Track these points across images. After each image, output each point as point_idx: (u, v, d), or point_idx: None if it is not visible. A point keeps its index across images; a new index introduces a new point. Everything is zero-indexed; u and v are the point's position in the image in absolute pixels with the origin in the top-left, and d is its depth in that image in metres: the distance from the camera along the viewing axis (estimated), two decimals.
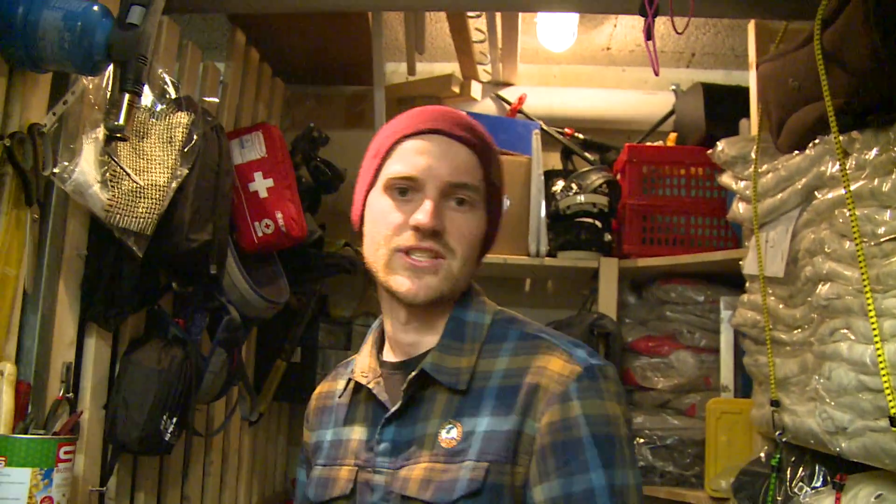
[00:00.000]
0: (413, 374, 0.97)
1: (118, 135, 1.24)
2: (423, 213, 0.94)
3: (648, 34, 1.17)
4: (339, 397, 1.09)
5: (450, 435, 0.93)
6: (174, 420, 1.53)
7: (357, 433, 1.03)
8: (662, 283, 2.24)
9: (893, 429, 1.10)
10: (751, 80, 1.94)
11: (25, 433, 1.22)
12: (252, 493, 2.29)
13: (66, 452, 1.22)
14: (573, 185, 2.27)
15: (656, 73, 1.18)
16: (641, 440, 2.14)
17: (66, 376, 1.38)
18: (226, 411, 2.03)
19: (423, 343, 1.01)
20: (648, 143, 2.48)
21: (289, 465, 2.61)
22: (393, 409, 0.98)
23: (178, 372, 1.54)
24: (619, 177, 2.35)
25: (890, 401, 1.11)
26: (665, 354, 2.18)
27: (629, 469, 0.89)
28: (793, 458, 1.50)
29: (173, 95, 1.58)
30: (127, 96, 1.22)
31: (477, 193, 0.99)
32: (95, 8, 1.23)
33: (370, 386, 1.02)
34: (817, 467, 1.44)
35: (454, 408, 0.95)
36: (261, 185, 1.83)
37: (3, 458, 1.16)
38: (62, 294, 1.39)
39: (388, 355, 1.06)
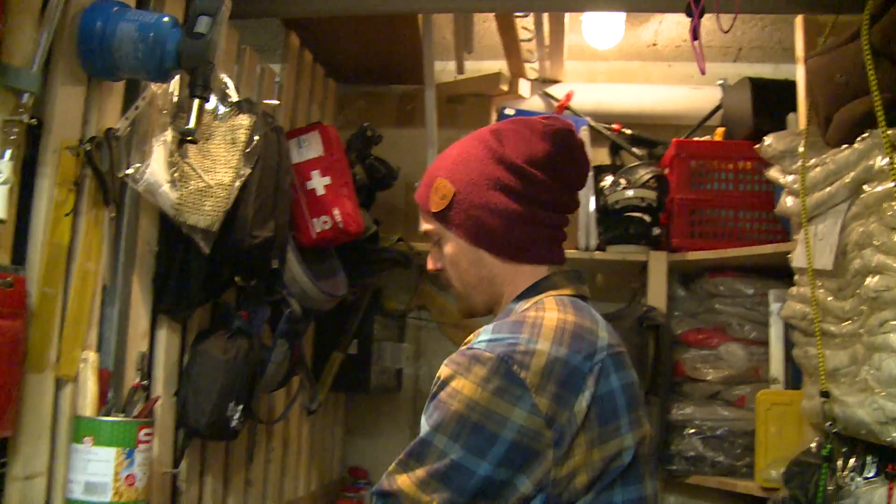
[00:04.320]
0: None
1: (189, 138, 1.31)
2: None
3: (695, 34, 1.19)
4: None
5: None
6: (240, 407, 1.61)
7: None
8: (711, 277, 2.24)
9: None
10: (798, 74, 1.93)
11: (108, 416, 1.32)
12: (311, 480, 2.37)
13: (145, 434, 1.31)
14: (622, 181, 2.29)
15: (703, 72, 1.21)
16: (692, 430, 2.15)
17: (141, 364, 1.47)
18: (286, 401, 2.10)
19: None
20: (696, 138, 2.48)
21: (346, 455, 2.69)
22: None
23: (243, 362, 1.61)
24: (666, 171, 2.36)
25: None
26: (714, 346, 2.19)
27: (448, 439, 0.96)
28: (844, 449, 1.50)
29: (234, 98, 1.65)
30: (196, 101, 1.29)
31: (434, 233, 1.19)
32: (166, 19, 1.30)
33: None
34: (869, 458, 1.43)
35: None
36: (318, 182, 1.89)
37: (91, 438, 1.25)
38: (136, 288, 1.48)
39: None
